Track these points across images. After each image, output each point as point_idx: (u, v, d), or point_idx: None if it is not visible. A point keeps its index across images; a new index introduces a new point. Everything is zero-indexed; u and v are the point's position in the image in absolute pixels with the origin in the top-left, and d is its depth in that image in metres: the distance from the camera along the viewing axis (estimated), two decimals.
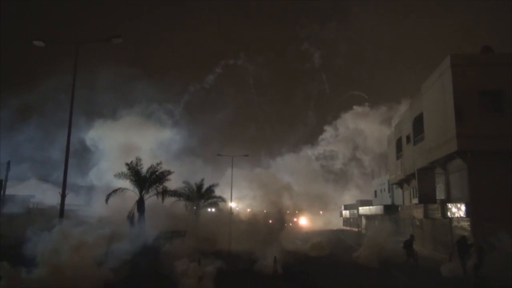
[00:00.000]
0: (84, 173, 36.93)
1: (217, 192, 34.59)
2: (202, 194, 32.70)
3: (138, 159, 24.35)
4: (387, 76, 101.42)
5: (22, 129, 38.24)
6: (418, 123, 28.20)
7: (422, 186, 26.48)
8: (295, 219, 63.14)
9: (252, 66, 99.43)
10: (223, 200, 35.07)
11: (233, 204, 39.84)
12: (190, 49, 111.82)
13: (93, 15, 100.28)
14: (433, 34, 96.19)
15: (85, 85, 39.68)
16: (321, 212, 69.95)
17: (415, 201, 29.64)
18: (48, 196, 32.06)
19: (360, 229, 54.40)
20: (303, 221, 64.08)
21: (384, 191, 50.95)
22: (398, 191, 40.51)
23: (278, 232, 32.45)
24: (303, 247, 26.43)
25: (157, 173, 24.49)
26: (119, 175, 23.98)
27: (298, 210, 61.68)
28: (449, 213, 23.06)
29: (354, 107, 70.62)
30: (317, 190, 64.32)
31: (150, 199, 24.31)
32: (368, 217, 51.83)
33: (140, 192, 23.96)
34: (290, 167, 68.52)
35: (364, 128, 67.44)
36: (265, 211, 46.01)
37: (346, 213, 71.26)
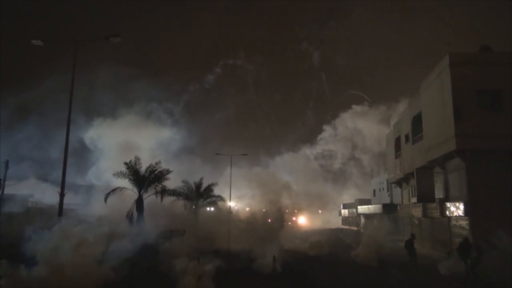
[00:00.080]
0: (83, 172, 36.99)
1: (216, 191, 34.62)
2: (201, 193, 32.70)
3: (137, 158, 24.34)
4: (386, 75, 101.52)
5: (21, 128, 38.22)
6: (417, 122, 28.24)
7: (421, 185, 26.55)
8: (294, 218, 63.20)
9: (252, 66, 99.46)
10: (222, 199, 35.07)
11: (232, 203, 39.85)
12: (189, 49, 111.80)
13: (93, 15, 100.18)
14: (432, 33, 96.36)
15: (84, 84, 39.66)
16: (320, 211, 70.00)
17: (414, 200, 29.71)
18: (47, 195, 32.03)
19: (359, 228, 54.52)
20: (302, 220, 64.13)
21: (383, 190, 51.01)
22: (397, 190, 40.57)
23: (277, 231, 32.47)
24: (302, 246, 26.45)
25: (156, 172, 24.47)
26: (118, 174, 23.97)
27: (297, 209, 61.75)
28: (447, 212, 23.12)
29: (353, 106, 70.74)
30: (316, 189, 64.37)
31: (149, 198, 24.31)
32: (367, 216, 51.90)
33: (139, 191, 23.95)
34: (289, 166, 68.60)
35: (363, 128, 67.56)
36: (264, 210, 46.05)
37: (345, 212, 71.34)
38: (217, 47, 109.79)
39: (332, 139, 74.76)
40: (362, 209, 54.99)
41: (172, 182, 26.59)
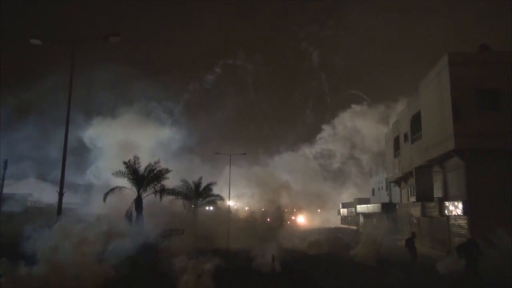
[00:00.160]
0: (82, 172, 36.93)
1: (216, 190, 34.68)
2: (200, 193, 32.71)
3: (136, 158, 24.32)
4: (386, 75, 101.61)
5: (20, 127, 38.12)
6: (416, 121, 28.26)
7: (420, 184, 26.59)
8: (293, 217, 63.29)
9: (251, 66, 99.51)
10: (221, 198, 35.11)
11: (231, 203, 39.88)
12: (189, 49, 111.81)
13: (93, 15, 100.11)
14: (431, 32, 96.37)
15: (84, 84, 39.59)
16: (319, 210, 70.14)
17: (413, 199, 29.76)
18: (46, 194, 32.01)
19: (358, 227, 54.57)
20: (301, 219, 64.23)
21: (382, 189, 51.07)
22: (395, 189, 40.63)
23: (276, 230, 32.52)
24: (301, 245, 26.48)
25: (155, 171, 24.46)
26: (117, 174, 23.96)
27: (296, 209, 61.87)
28: (446, 211, 23.14)
29: (353, 105, 70.89)
30: (315, 188, 64.60)
31: (148, 197, 24.30)
32: (366, 215, 51.96)
33: (138, 191, 23.94)
34: (288, 166, 68.78)
35: (362, 127, 67.72)
36: (263, 209, 46.12)
37: (344, 211, 71.44)
38: (216, 47, 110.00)
39: (331, 139, 74.98)
40: (361, 208, 55.06)
41: (171, 181, 26.59)
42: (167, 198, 25.93)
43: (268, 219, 42.77)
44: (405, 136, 31.89)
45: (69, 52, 18.49)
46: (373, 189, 56.56)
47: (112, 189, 23.60)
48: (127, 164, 23.94)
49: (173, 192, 26.24)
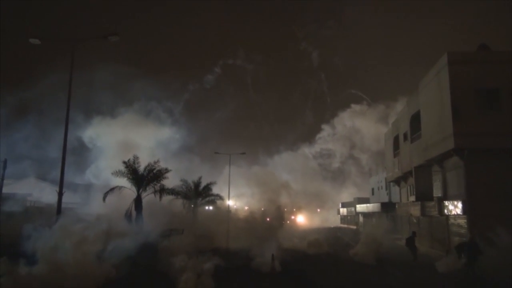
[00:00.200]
0: (82, 171, 36.89)
1: (215, 190, 34.67)
2: (199, 192, 32.71)
3: (136, 157, 24.29)
4: (385, 75, 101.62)
5: (19, 127, 38.11)
6: (415, 121, 28.28)
7: (419, 183, 26.60)
8: (292, 217, 63.30)
9: (251, 65, 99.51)
10: (221, 198, 35.10)
11: (231, 202, 39.89)
12: (189, 49, 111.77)
13: (93, 14, 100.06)
14: (431, 32, 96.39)
15: (84, 83, 39.60)
16: (318, 210, 70.17)
17: (412, 198, 29.77)
18: (46, 194, 32.00)
19: (358, 226, 54.58)
20: (301, 219, 64.24)
21: (381, 188, 51.12)
22: (395, 189, 40.66)
23: (276, 229, 32.51)
24: (301, 245, 26.49)
25: (154, 171, 24.42)
26: (117, 173, 23.93)
27: (295, 208, 61.88)
28: (446, 211, 23.16)
29: (352, 105, 70.95)
30: (314, 188, 64.61)
31: (148, 197, 24.28)
32: (366, 214, 51.99)
33: (138, 190, 23.92)
34: (288, 166, 68.82)
35: (362, 127, 67.78)
36: (262, 209, 46.09)
37: (343, 210, 71.47)
38: (216, 46, 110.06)
39: (330, 138, 75.06)
40: (360, 207, 55.09)
41: (170, 181, 26.57)
42: (166, 198, 25.91)
43: (268, 219, 42.73)
44: (405, 135, 31.91)
45: (68, 51, 18.50)
46: (373, 189, 56.60)
47: (112, 189, 23.57)
48: (127, 164, 23.91)
49: (172, 191, 26.21)
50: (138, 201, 23.51)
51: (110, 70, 41.30)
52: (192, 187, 32.30)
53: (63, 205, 17.69)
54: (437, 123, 23.43)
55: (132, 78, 46.52)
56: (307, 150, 75.97)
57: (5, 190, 26.92)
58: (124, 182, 24.02)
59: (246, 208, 49.73)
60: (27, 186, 38.87)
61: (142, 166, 24.26)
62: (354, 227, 57.71)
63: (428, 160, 25.37)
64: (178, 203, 29.78)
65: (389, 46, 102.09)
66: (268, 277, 16.05)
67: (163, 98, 54.48)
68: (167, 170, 24.97)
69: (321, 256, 23.14)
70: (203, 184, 33.13)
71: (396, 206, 36.47)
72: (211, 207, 36.58)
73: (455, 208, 21.93)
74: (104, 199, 23.30)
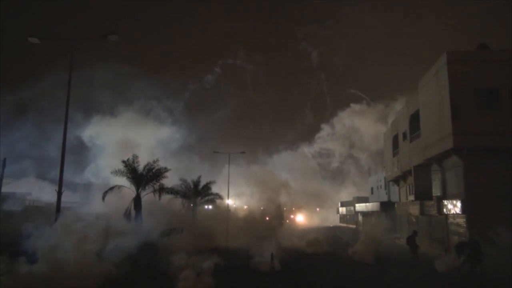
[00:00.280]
0: (81, 171, 36.90)
1: (215, 189, 34.66)
2: (199, 191, 32.71)
3: (135, 156, 24.30)
4: (385, 74, 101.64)
5: (19, 126, 38.09)
6: (415, 120, 28.30)
7: (418, 183, 26.62)
8: (292, 216, 63.29)
9: (251, 65, 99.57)
10: (220, 197, 35.09)
11: (230, 201, 39.88)
12: (188, 48, 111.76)
13: (92, 14, 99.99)
14: (431, 32, 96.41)
15: (83, 83, 39.59)
16: (318, 209, 70.15)
17: (411, 197, 29.79)
18: (45, 193, 31.99)
19: (358, 226, 54.61)
20: (300, 218, 64.22)
21: (381, 188, 51.17)
22: (394, 188, 40.68)
23: (276, 228, 32.50)
24: (300, 244, 26.50)
25: (153, 170, 24.41)
26: (116, 172, 23.93)
27: (295, 207, 61.85)
28: (445, 210, 23.19)
29: (352, 105, 70.95)
30: (314, 187, 64.55)
31: (147, 196, 24.28)
32: (365, 214, 52.04)
33: (137, 190, 23.92)
34: (287, 165, 68.78)
35: (361, 126, 67.81)
36: (262, 208, 46.07)
37: (342, 210, 71.52)
38: (216, 46, 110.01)
39: (330, 138, 75.08)
40: (359, 207, 55.13)
41: (170, 180, 26.56)
42: (166, 197, 25.92)
43: (267, 218, 42.73)
44: (404, 135, 31.93)
45: (68, 51, 18.50)
46: (372, 188, 56.65)
47: (111, 188, 23.57)
48: (126, 163, 23.92)
49: (172, 191, 26.22)
50: (137, 200, 23.51)
51: (110, 69, 41.33)
52: (192, 186, 32.31)
53: (62, 205, 17.69)
54: (436, 122, 23.45)
55: (132, 78, 46.51)
56: (306, 150, 76.03)
57: (4, 189, 26.91)
58: (123, 181, 24.02)
59: (245, 207, 49.70)
60: (26, 185, 38.88)
61: (141, 165, 24.27)
62: (353, 226, 57.74)
63: (428, 159, 25.39)
64: (177, 202, 29.76)
65: (388, 45, 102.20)
66: (267, 276, 16.05)
67: (163, 98, 54.52)
68: (166, 169, 24.97)
69: (320, 255, 23.15)
70: (202, 183, 33.15)
71: (395, 205, 36.52)
72: (210, 206, 36.56)
73: (454, 207, 21.96)
74: (103, 198, 23.30)
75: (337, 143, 74.24)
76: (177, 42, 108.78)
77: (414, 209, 28.30)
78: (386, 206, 41.54)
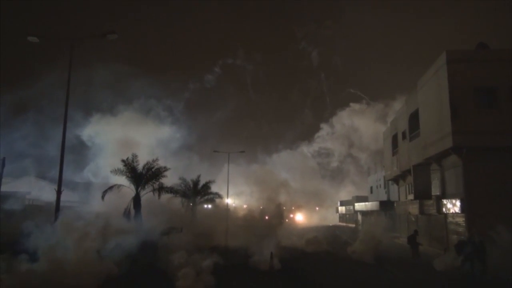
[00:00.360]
0: (81, 170, 36.91)
1: (214, 188, 34.69)
2: (198, 191, 32.74)
3: (134, 156, 24.31)
4: (384, 73, 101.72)
5: (18, 125, 38.07)
6: (414, 119, 28.32)
7: (418, 182, 26.65)
8: (291, 215, 63.31)
9: (250, 65, 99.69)
10: (220, 196, 35.12)
11: (229, 200, 39.89)
12: (188, 48, 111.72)
13: (92, 13, 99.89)
14: (430, 31, 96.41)
15: (83, 82, 39.60)
16: (317, 208, 70.20)
17: (411, 197, 29.83)
18: (45, 193, 31.99)
19: (357, 225, 54.68)
20: (299, 217, 64.26)
21: (380, 187, 51.21)
22: (393, 187, 40.71)
23: (275, 227, 32.52)
24: (299, 243, 26.52)
25: (153, 169, 24.44)
26: (116, 172, 23.95)
27: (294, 207, 61.88)
28: (444, 209, 23.23)
29: (351, 104, 71.04)
30: (313, 186, 64.66)
31: (147, 195, 24.30)
32: (364, 213, 52.09)
33: (137, 189, 23.94)
34: (287, 164, 68.89)
35: (360, 125, 67.91)
36: (261, 207, 46.10)
37: (342, 209, 71.57)
38: (216, 46, 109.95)
39: (329, 137, 75.24)
40: (359, 206, 55.19)
41: (169, 179, 26.59)
42: (165, 196, 25.94)
43: (267, 217, 42.74)
44: (403, 134, 31.94)
45: (67, 50, 18.48)
46: (371, 187, 56.69)
47: (111, 187, 23.59)
48: (125, 162, 23.93)
49: (171, 190, 26.24)
50: (136, 199, 23.54)
51: (109, 68, 41.36)
52: (191, 186, 32.34)
53: (62, 204, 17.69)
54: (436, 121, 23.47)
55: (132, 77, 46.61)
56: (306, 149, 76.21)
57: (4, 188, 26.90)
58: (123, 180, 24.05)
59: (245, 206, 49.72)
60: (26, 185, 38.87)
61: (141, 164, 24.28)
62: (353, 225, 57.81)
63: (427, 158, 25.42)
64: (176, 202, 29.79)
65: (388, 45, 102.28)
66: (266, 275, 16.07)
67: (163, 97, 54.57)
68: (165, 169, 25.00)
69: (319, 254, 23.17)
70: (202, 182, 33.20)
71: (395, 205, 36.58)
72: (210, 206, 36.60)
73: (453, 206, 21.99)
74: (102, 197, 23.33)
75: (336, 143, 74.44)
76: (177, 42, 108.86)
77: (414, 208, 28.34)
78: (386, 205, 41.60)
